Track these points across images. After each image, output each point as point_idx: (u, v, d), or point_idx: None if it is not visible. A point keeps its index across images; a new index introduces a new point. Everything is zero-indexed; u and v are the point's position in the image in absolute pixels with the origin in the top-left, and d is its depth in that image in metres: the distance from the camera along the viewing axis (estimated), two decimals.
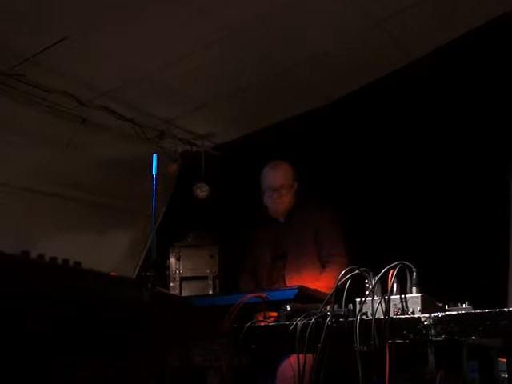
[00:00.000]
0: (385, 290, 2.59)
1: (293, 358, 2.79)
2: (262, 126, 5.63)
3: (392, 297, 2.56)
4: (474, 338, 2.36)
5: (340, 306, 2.70)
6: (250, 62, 4.66)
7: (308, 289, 3.42)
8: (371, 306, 2.58)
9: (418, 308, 2.52)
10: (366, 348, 2.51)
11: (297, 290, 3.19)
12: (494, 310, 2.31)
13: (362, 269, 2.71)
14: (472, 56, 4.48)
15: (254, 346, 2.92)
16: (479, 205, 4.59)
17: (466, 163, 4.70)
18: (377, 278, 2.62)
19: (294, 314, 2.89)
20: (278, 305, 3.09)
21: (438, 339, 2.39)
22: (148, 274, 3.50)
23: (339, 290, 2.72)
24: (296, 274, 4.25)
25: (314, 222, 4.40)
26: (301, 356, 2.75)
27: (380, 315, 2.53)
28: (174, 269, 5.47)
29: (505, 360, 2.93)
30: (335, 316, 2.66)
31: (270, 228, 4.58)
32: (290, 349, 2.77)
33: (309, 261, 4.32)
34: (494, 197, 4.56)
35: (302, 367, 2.74)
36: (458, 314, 2.42)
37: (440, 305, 2.71)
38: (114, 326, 1.99)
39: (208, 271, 5.48)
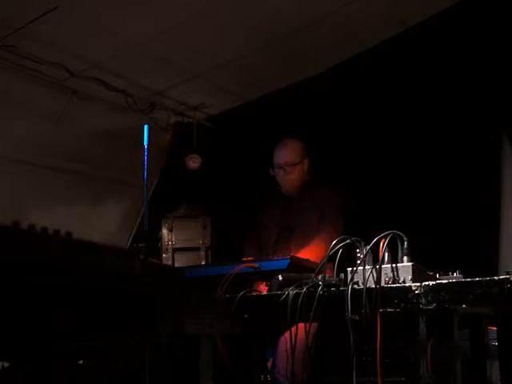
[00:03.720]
0: (376, 260, 2.60)
1: (294, 329, 2.81)
2: (255, 96, 5.61)
3: (383, 266, 2.57)
4: (464, 306, 2.37)
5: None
6: (242, 32, 4.63)
7: (300, 259, 3.44)
8: (362, 275, 2.59)
9: (409, 277, 2.53)
10: (357, 317, 2.52)
11: (289, 260, 3.20)
12: (484, 279, 2.32)
13: (353, 238, 2.72)
14: (465, 25, 4.46)
15: (246, 316, 2.93)
16: (470, 174, 4.60)
17: (459, 135, 4.70)
18: (368, 248, 2.63)
19: (286, 283, 2.90)
20: (270, 275, 3.10)
21: (429, 308, 2.41)
22: (140, 245, 3.50)
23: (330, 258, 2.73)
24: (302, 248, 4.26)
25: (320, 199, 4.42)
26: (301, 326, 2.77)
27: (371, 284, 2.55)
28: (166, 240, 5.48)
29: (495, 328, 2.95)
30: (327, 285, 2.67)
31: (282, 202, 4.61)
32: (283, 318, 2.78)
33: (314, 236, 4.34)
34: (485, 166, 4.56)
35: (294, 336, 2.77)
36: (449, 282, 2.43)
37: (431, 274, 2.72)
38: (107, 296, 2.00)
39: (200, 242, 5.48)
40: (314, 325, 2.74)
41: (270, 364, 3.97)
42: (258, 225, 4.67)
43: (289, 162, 4.53)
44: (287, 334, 2.91)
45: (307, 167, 4.61)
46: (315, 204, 4.42)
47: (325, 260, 2.72)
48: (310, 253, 3.90)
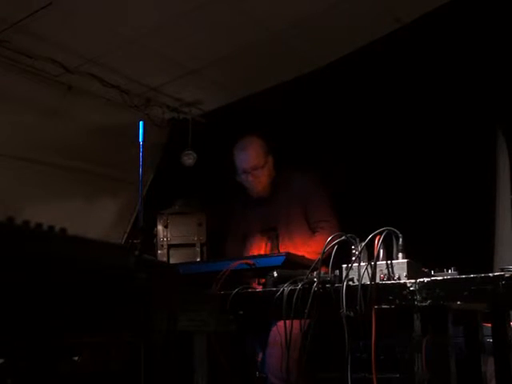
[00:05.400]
0: (371, 256, 2.60)
1: (281, 324, 2.81)
2: (250, 92, 5.61)
3: (378, 262, 2.57)
4: (459, 303, 2.37)
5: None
6: (238, 28, 4.62)
7: (295, 255, 3.43)
8: (357, 271, 2.59)
9: (404, 273, 2.53)
10: (352, 313, 2.52)
11: (284, 257, 3.20)
12: (479, 275, 2.32)
13: (348, 235, 2.71)
14: (460, 22, 4.46)
15: (241, 312, 2.93)
16: (465, 170, 4.61)
17: (454, 130, 4.71)
18: (363, 244, 2.63)
19: (281, 280, 2.90)
20: (265, 271, 3.09)
21: (424, 304, 2.41)
22: (135, 241, 3.50)
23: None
24: (291, 244, 4.26)
25: (300, 191, 4.38)
26: (289, 321, 2.77)
27: (366, 281, 2.55)
28: (161, 236, 5.47)
29: (489, 325, 2.96)
30: (322, 282, 2.67)
31: (256, 204, 4.55)
32: (277, 315, 2.78)
33: (300, 230, 4.32)
34: (480, 163, 4.57)
35: (289, 333, 2.77)
36: (444, 279, 2.43)
37: (426, 270, 2.73)
38: (101, 292, 1.99)
39: (196, 239, 5.47)
40: (308, 321, 2.74)
41: (259, 359, 3.98)
42: (236, 231, 4.63)
43: (255, 166, 4.44)
44: (276, 328, 2.91)
45: (272, 164, 4.54)
46: (296, 198, 4.37)
47: (320, 257, 2.72)
48: (310, 251, 3.89)
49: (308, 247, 4.11)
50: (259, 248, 4.42)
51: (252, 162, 4.45)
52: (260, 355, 3.97)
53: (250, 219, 4.54)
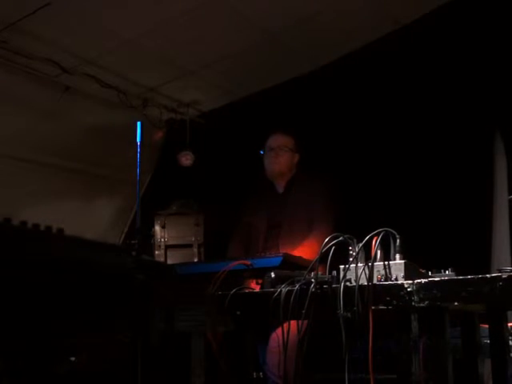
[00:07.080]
0: (368, 257, 2.60)
1: (286, 325, 2.81)
2: (248, 93, 5.61)
3: (375, 263, 2.56)
4: (456, 304, 2.37)
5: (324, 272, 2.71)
6: (235, 29, 4.63)
7: (293, 256, 3.43)
8: (355, 272, 2.59)
9: (402, 274, 2.52)
10: (349, 314, 2.52)
11: (281, 258, 3.20)
12: (476, 277, 2.31)
13: (345, 236, 2.71)
14: (460, 23, 4.46)
15: (238, 313, 2.93)
16: (463, 172, 4.61)
17: (452, 131, 4.71)
18: (361, 245, 2.63)
19: (279, 280, 2.89)
20: (262, 272, 3.09)
21: (421, 305, 2.40)
22: (133, 241, 3.50)
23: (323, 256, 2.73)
24: (290, 244, 4.26)
25: (308, 195, 4.42)
26: (293, 323, 2.77)
27: (363, 282, 2.54)
28: (159, 237, 5.48)
29: (487, 326, 2.96)
30: (319, 283, 2.66)
31: (269, 198, 4.60)
32: (275, 315, 2.77)
33: (302, 232, 4.34)
34: (478, 165, 4.57)
35: (286, 334, 2.77)
36: (441, 280, 2.43)
37: (423, 271, 2.72)
38: (98, 292, 1.99)
39: (193, 239, 5.49)
40: (306, 322, 2.74)
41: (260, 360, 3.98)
42: (245, 224, 4.65)
43: (282, 146, 4.56)
44: (278, 331, 2.91)
45: (296, 162, 4.63)
46: (302, 200, 4.41)
47: (317, 257, 2.72)
48: (303, 251, 3.90)
49: (301, 247, 4.13)
50: (261, 243, 4.44)
51: (280, 141, 4.60)
52: (261, 357, 3.98)
53: (261, 212, 4.57)
